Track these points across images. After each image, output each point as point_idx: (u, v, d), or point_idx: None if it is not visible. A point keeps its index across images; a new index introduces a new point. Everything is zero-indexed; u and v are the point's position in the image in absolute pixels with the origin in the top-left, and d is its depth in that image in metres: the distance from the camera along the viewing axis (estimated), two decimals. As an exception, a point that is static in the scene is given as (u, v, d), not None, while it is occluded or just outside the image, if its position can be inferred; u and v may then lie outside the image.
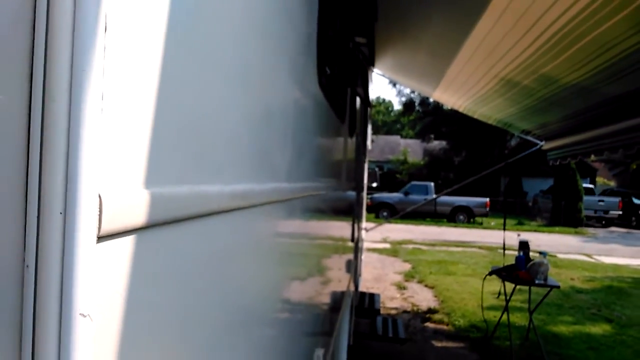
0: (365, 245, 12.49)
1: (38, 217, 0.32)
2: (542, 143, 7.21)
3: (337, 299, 2.61)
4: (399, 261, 10.98)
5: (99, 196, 0.34)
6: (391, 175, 31.30)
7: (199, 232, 0.54)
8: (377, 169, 8.98)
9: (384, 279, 8.90)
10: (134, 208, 0.38)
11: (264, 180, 0.83)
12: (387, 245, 13.43)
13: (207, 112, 0.57)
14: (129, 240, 0.39)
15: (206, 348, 0.60)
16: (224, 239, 0.65)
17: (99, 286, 0.35)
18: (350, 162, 3.32)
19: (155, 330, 0.44)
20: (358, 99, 3.88)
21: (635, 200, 23.60)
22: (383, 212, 20.52)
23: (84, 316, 0.33)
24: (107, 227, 0.35)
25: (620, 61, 3.47)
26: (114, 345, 0.36)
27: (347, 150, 3.04)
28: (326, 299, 2.09)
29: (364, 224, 8.10)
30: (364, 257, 10.57)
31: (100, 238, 0.34)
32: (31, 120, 0.32)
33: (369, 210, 20.53)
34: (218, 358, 0.64)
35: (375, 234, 15.25)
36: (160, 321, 0.45)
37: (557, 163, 7.02)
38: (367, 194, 18.25)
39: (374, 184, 8.52)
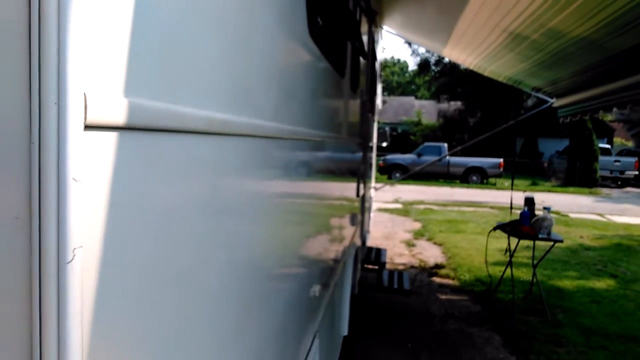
0: (377, 205, 12.65)
1: (39, 105, 0.43)
2: (553, 100, 7.17)
3: (338, 245, 2.75)
4: (410, 220, 11.13)
5: (84, 94, 0.45)
6: (405, 137, 31.18)
7: (176, 145, 0.65)
8: (387, 129, 8.97)
9: (394, 237, 9.07)
10: (114, 109, 0.49)
11: (244, 114, 0.93)
12: (399, 206, 13.57)
13: (182, 38, 0.67)
14: (111, 135, 0.50)
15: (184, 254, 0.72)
16: (204, 158, 0.76)
17: (88, 162, 0.46)
18: (353, 117, 3.40)
19: (135, 214, 0.56)
20: (363, 56, 3.91)
21: (653, 161, 23.25)
22: (396, 173, 20.60)
23: (76, 181, 0.45)
24: (92, 119, 0.46)
25: (626, 13, 3.45)
26: (100, 208, 0.49)
27: (349, 105, 3.11)
28: (323, 241, 2.22)
29: (374, 184, 8.20)
30: (375, 216, 10.72)
31: (87, 127, 0.46)
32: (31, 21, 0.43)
33: (381, 172, 20.66)
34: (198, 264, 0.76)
35: (387, 195, 15.40)
36: (139, 210, 0.57)
37: (568, 120, 7.00)
38: (379, 155, 18.17)
39: (384, 144, 8.56)
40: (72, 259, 0.44)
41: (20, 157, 0.44)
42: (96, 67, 0.47)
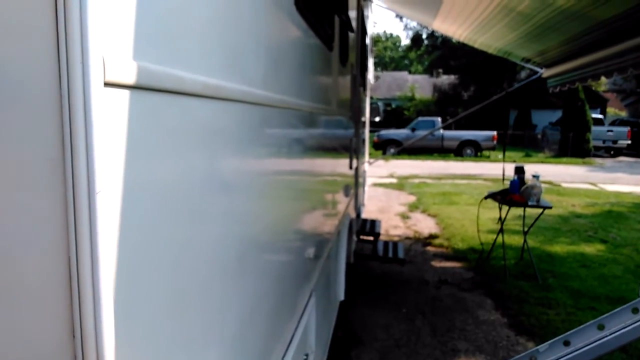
0: (372, 180, 12.78)
1: (67, 65, 0.54)
2: (542, 71, 7.25)
3: (332, 213, 2.87)
4: (404, 194, 11.28)
5: (103, 58, 0.55)
6: (398, 112, 31.20)
7: (176, 105, 0.76)
8: (380, 104, 9.04)
9: (389, 210, 9.22)
10: (126, 71, 0.60)
11: (235, 80, 1.03)
12: (394, 180, 13.71)
13: (181, 10, 0.77)
14: (124, 92, 0.61)
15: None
16: (200, 119, 0.86)
17: (107, 113, 0.57)
18: (342, 90, 3.48)
19: (146, 154, 0.67)
20: (350, 30, 3.97)
21: (645, 129, 23.42)
22: (390, 148, 20.70)
23: (99, 127, 0.55)
24: (110, 78, 0.57)
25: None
26: (120, 149, 0.60)
27: (338, 78, 3.19)
28: (316, 208, 2.34)
29: (367, 158, 8.31)
30: (370, 190, 10.86)
31: (106, 84, 0.56)
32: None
33: (376, 147, 20.76)
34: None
35: (382, 170, 15.54)
36: (149, 152, 0.69)
37: (557, 90, 7.09)
38: (373, 131, 18.05)
39: (377, 118, 8.64)
40: (101, 189, 0.55)
41: (52, 108, 0.55)
42: (112, 35, 0.58)
